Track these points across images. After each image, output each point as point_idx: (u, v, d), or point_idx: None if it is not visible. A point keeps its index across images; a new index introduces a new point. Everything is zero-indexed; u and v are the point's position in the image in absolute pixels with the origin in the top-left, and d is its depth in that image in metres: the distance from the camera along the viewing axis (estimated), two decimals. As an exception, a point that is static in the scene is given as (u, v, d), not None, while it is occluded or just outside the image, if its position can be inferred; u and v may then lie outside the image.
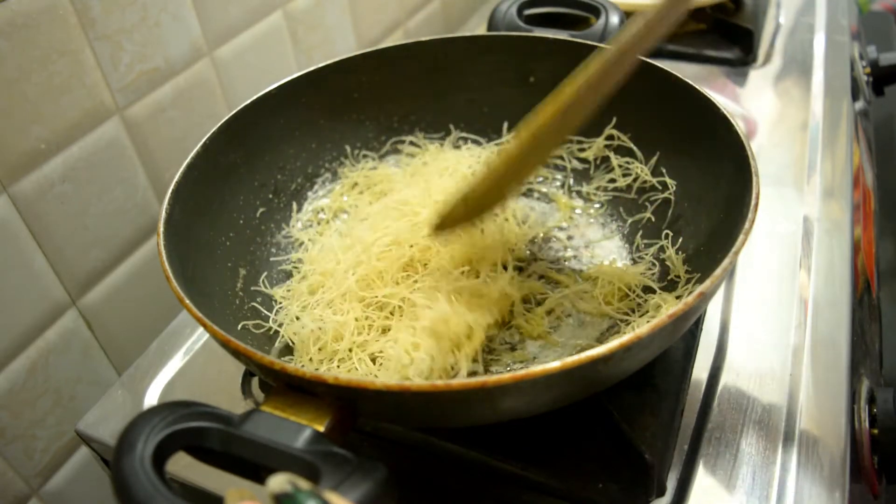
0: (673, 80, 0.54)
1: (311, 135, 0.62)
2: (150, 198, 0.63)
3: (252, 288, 0.53)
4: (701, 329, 0.51)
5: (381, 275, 0.50)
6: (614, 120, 0.60)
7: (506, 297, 0.50)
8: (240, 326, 0.49)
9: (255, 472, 0.32)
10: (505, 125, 0.65)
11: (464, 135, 0.66)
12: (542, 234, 0.57)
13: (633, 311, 0.49)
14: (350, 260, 0.52)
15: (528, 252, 0.55)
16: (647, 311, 0.48)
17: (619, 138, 0.59)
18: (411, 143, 0.65)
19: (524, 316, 0.50)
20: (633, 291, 0.50)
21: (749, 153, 0.44)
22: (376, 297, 0.49)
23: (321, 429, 0.32)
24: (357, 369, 0.46)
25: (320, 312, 0.49)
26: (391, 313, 0.49)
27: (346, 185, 0.63)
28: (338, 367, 0.46)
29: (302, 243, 0.58)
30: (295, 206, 0.60)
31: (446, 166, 0.60)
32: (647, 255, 0.53)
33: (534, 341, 0.49)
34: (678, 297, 0.47)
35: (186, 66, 0.64)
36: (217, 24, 0.66)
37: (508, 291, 0.50)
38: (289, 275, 0.56)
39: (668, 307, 0.44)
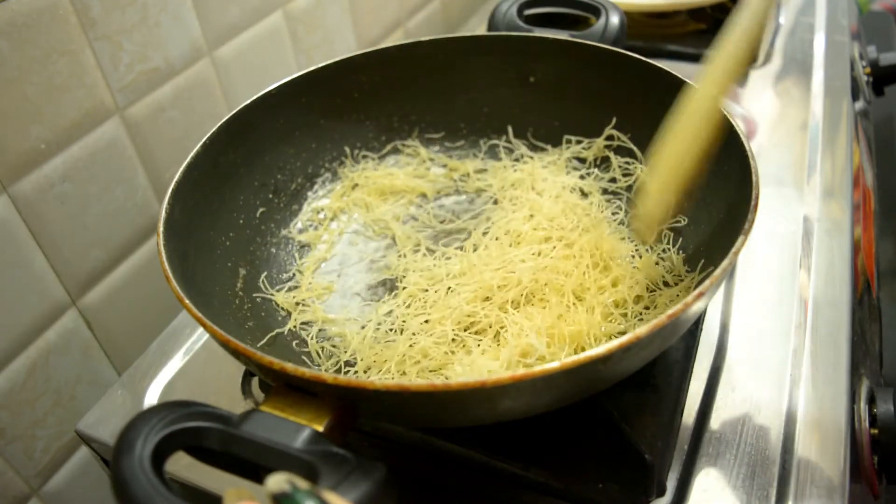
0: (673, 80, 0.54)
1: (311, 135, 0.62)
2: (150, 198, 0.63)
3: (252, 288, 0.53)
4: (701, 329, 0.51)
5: (486, 301, 0.49)
6: (614, 120, 0.60)
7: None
8: (240, 326, 0.49)
9: (255, 471, 0.32)
10: (510, 129, 0.65)
11: (495, 142, 0.65)
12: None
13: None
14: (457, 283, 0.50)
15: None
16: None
17: (618, 138, 0.59)
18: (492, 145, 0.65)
19: None
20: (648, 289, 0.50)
21: (749, 153, 0.44)
22: (473, 317, 0.48)
23: (320, 429, 0.32)
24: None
25: (413, 331, 0.48)
26: (477, 332, 0.47)
27: (346, 185, 0.63)
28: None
29: (304, 245, 0.58)
30: (295, 206, 0.60)
31: (543, 188, 0.58)
32: (647, 255, 0.53)
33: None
34: (678, 297, 0.47)
35: (186, 66, 0.64)
36: (217, 24, 0.66)
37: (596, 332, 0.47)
38: (291, 277, 0.56)
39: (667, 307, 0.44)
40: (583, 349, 0.45)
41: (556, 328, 0.45)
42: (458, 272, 0.52)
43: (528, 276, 0.49)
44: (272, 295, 0.53)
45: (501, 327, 0.47)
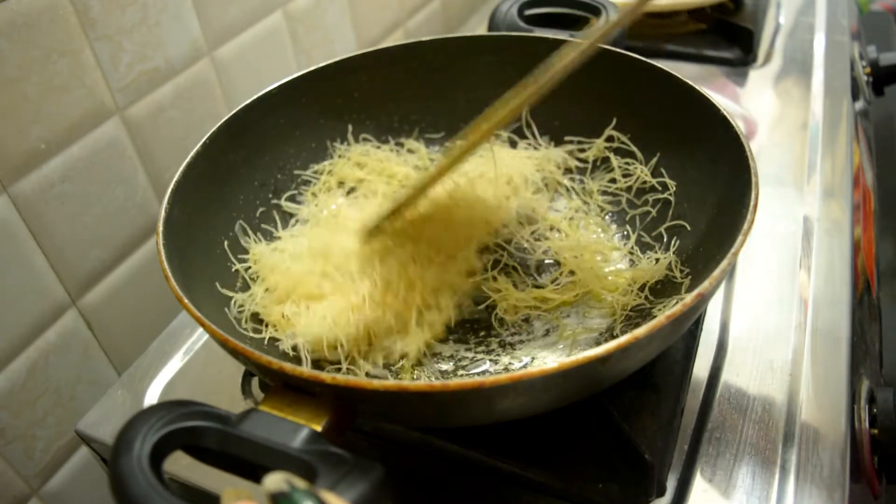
0: (673, 80, 0.54)
1: (311, 135, 0.62)
2: (150, 198, 0.63)
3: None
4: (701, 329, 0.51)
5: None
6: (614, 121, 0.60)
7: (467, 272, 0.53)
8: (239, 326, 0.49)
9: (253, 471, 0.32)
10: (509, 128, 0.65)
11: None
12: (538, 230, 0.57)
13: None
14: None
15: (524, 250, 0.55)
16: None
17: (618, 139, 0.59)
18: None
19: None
20: (633, 291, 0.50)
21: (748, 154, 0.44)
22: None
23: (318, 428, 0.32)
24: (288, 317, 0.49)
25: (289, 262, 0.52)
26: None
27: (346, 184, 0.63)
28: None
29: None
30: (294, 205, 0.60)
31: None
32: (646, 255, 0.53)
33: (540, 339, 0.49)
34: (677, 298, 0.47)
35: (186, 66, 0.64)
36: (217, 24, 0.66)
37: (472, 265, 0.53)
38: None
39: (666, 308, 0.44)
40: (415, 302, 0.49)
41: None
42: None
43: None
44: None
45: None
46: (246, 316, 0.49)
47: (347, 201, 0.60)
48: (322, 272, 0.50)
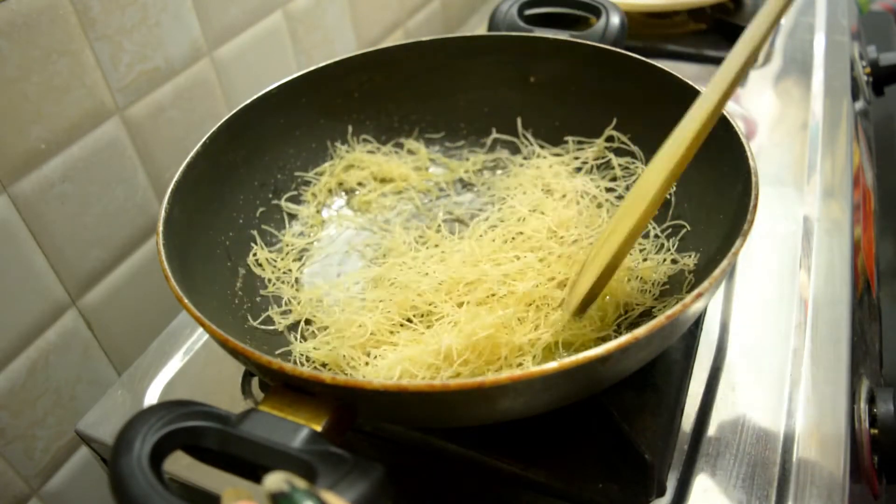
0: (673, 80, 0.54)
1: (312, 135, 0.62)
2: (150, 198, 0.63)
3: (251, 288, 0.53)
4: (701, 329, 0.51)
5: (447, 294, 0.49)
6: (614, 121, 0.60)
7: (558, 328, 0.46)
8: (238, 326, 0.49)
9: (253, 471, 0.32)
10: (510, 129, 0.65)
11: (496, 142, 0.65)
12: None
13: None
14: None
15: None
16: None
17: (618, 139, 0.59)
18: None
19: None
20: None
21: (748, 154, 0.44)
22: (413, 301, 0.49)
23: (318, 428, 0.32)
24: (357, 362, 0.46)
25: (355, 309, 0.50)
26: (422, 315, 0.49)
27: (346, 185, 0.63)
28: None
29: (304, 249, 0.58)
30: (295, 206, 0.60)
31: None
32: (646, 255, 0.53)
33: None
34: (677, 298, 0.47)
35: (186, 66, 0.64)
36: (217, 24, 0.66)
37: (566, 320, 0.46)
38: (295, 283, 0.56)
39: (666, 308, 0.44)
40: (499, 360, 0.44)
41: (486, 335, 0.44)
42: (438, 259, 0.52)
43: (497, 279, 0.49)
44: (276, 293, 0.53)
45: (439, 318, 0.48)
46: (296, 357, 0.49)
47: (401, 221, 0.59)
48: (399, 320, 0.48)
